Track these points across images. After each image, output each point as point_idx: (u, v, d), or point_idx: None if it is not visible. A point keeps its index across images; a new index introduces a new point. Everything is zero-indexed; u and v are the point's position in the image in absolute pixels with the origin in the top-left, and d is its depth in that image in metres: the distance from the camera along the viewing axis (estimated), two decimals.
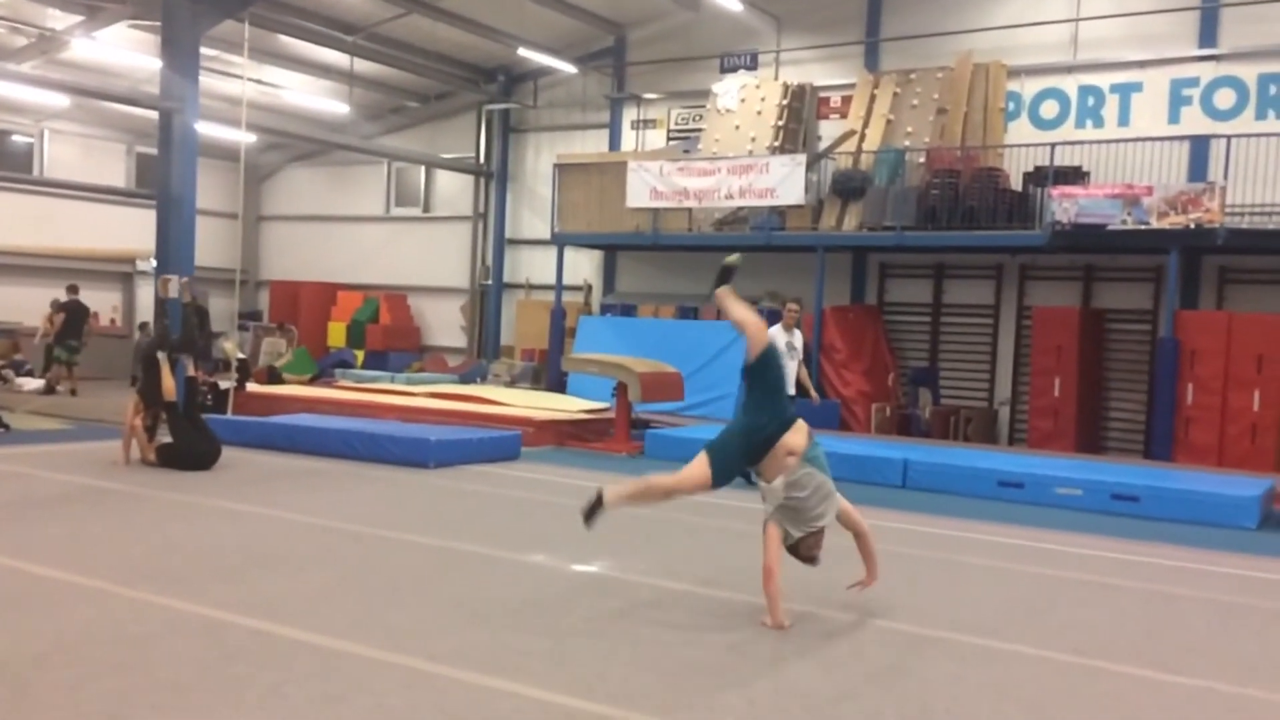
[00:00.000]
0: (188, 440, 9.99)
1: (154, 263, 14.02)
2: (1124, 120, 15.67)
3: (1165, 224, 13.51)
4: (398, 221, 23.61)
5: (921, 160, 15.99)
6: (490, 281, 22.01)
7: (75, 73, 18.66)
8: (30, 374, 18.10)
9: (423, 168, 22.96)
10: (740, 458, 5.67)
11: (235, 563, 6.39)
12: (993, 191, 15.12)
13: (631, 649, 5.03)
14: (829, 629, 5.51)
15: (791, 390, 10.39)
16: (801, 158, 16.18)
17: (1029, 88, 16.36)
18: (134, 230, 20.91)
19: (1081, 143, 15.48)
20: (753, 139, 17.35)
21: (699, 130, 18.65)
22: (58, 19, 17.55)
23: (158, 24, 14.65)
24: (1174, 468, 12.59)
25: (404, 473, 10.33)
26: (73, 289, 17.70)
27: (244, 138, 15.35)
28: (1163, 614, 6.29)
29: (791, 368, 10.39)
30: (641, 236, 17.80)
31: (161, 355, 10.19)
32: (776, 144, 17.12)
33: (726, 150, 17.27)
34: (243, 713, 4.02)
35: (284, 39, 18.72)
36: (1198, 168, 14.81)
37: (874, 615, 5.75)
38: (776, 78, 18.17)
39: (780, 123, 17.39)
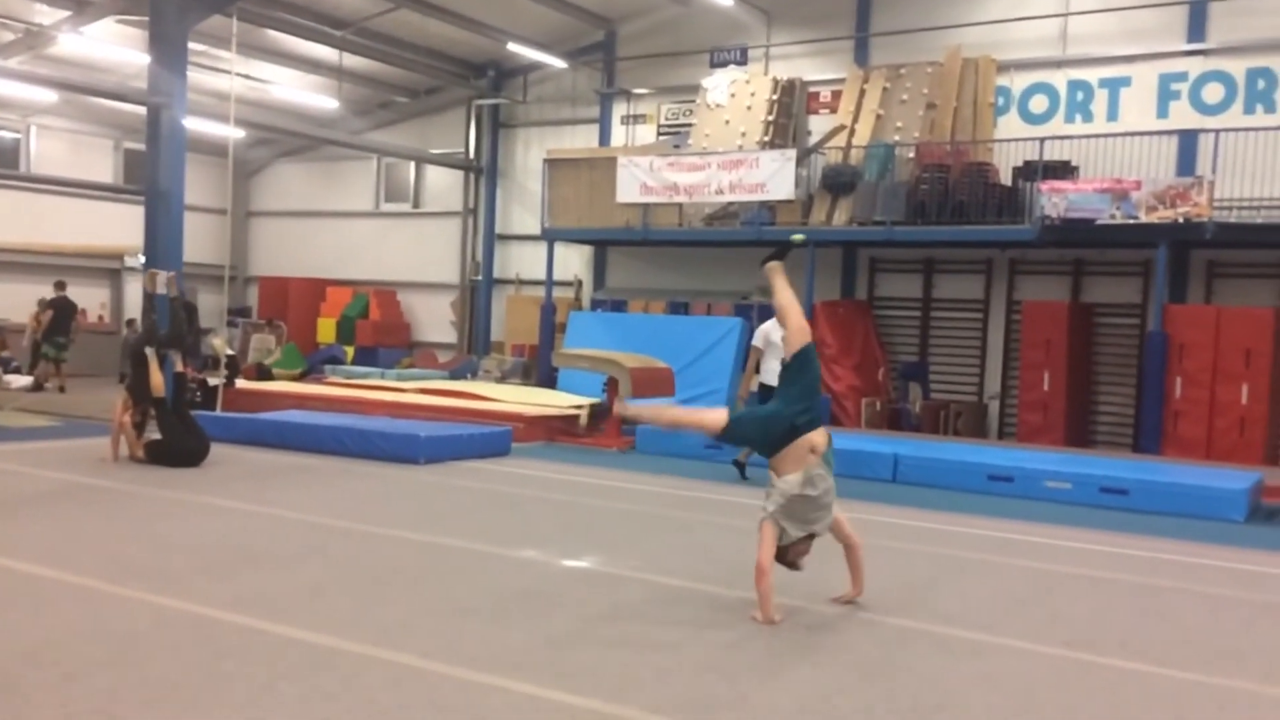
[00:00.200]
0: (177, 437, 9.95)
1: (142, 259, 13.96)
2: (1113, 115, 15.71)
3: (1154, 218, 13.55)
4: (387, 217, 23.55)
5: (911, 155, 16.00)
6: (480, 277, 21.98)
7: (63, 68, 18.57)
8: (18, 371, 18.02)
9: (412, 163, 22.91)
10: (757, 433, 5.70)
11: (225, 560, 6.37)
12: (982, 186, 15.15)
13: (622, 644, 5.03)
14: (820, 624, 5.52)
15: None
16: (791, 153, 16.18)
17: (1018, 82, 16.39)
18: (122, 226, 20.83)
19: (1070, 137, 15.52)
20: (743, 134, 17.35)
21: (689, 125, 18.65)
22: (45, 14, 17.44)
23: (145, 19, 14.56)
24: (1162, 461, 12.63)
25: (394, 469, 10.31)
26: (60, 285, 17.63)
27: (233, 133, 15.30)
28: (1152, 607, 6.31)
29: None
30: (632, 232, 17.79)
31: (149, 351, 10.15)
32: (766, 139, 17.13)
33: (716, 145, 17.27)
34: (233, 710, 4.01)
35: (272, 34, 18.64)
36: (1186, 162, 14.86)
37: (864, 610, 5.76)
38: (766, 73, 18.16)
39: (770, 118, 17.39)
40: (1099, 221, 13.86)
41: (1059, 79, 16.13)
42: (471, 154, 21.99)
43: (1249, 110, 14.77)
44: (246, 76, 19.34)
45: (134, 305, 18.87)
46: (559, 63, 19.89)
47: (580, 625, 5.32)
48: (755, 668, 4.76)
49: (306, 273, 23.68)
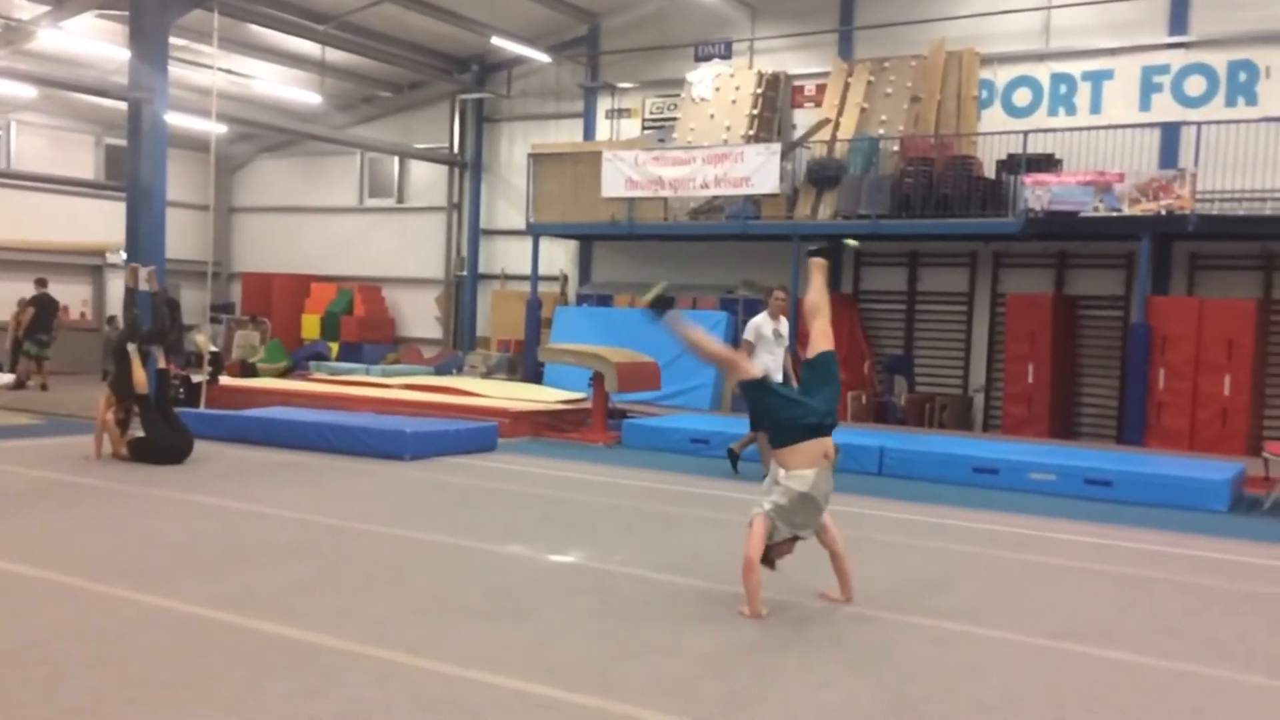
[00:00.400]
0: (160, 434, 9.90)
1: (124, 255, 13.89)
2: (1096, 108, 15.77)
3: (1137, 211, 13.62)
4: (371, 212, 23.46)
5: (896, 149, 16.02)
6: (465, 272, 21.92)
7: (42, 63, 18.42)
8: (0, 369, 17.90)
9: (396, 158, 22.82)
10: (780, 408, 5.64)
11: (210, 557, 6.35)
12: (966, 179, 15.18)
13: (609, 639, 5.03)
14: (806, 617, 5.53)
15: (779, 377, 10.42)
16: (776, 146, 16.18)
17: (1002, 75, 16.43)
18: (103, 222, 20.69)
19: (1054, 130, 15.56)
20: (727, 128, 17.34)
21: (674, 119, 18.63)
22: (24, 9, 17.29)
23: (126, 14, 14.47)
24: (1146, 452, 12.71)
25: (379, 465, 10.28)
26: (41, 282, 17.50)
27: (214, 128, 15.21)
28: (1136, 597, 6.35)
29: (779, 356, 10.42)
30: (617, 226, 17.77)
31: (132, 347, 10.09)
32: (751, 133, 17.14)
33: (701, 139, 17.26)
34: (218, 707, 3.99)
35: (254, 28, 18.53)
36: (1168, 154, 14.93)
37: (851, 603, 5.77)
38: (751, 66, 18.16)
39: (755, 111, 17.39)
40: (1082, 214, 13.92)
41: (1042, 72, 16.17)
42: (456, 149, 21.93)
43: (1230, 103, 14.84)
44: (228, 71, 19.23)
45: (116, 302, 18.72)
46: (543, 57, 19.84)
47: (567, 620, 5.31)
48: (742, 662, 4.77)
49: (290, 269, 23.58)
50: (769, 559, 5.56)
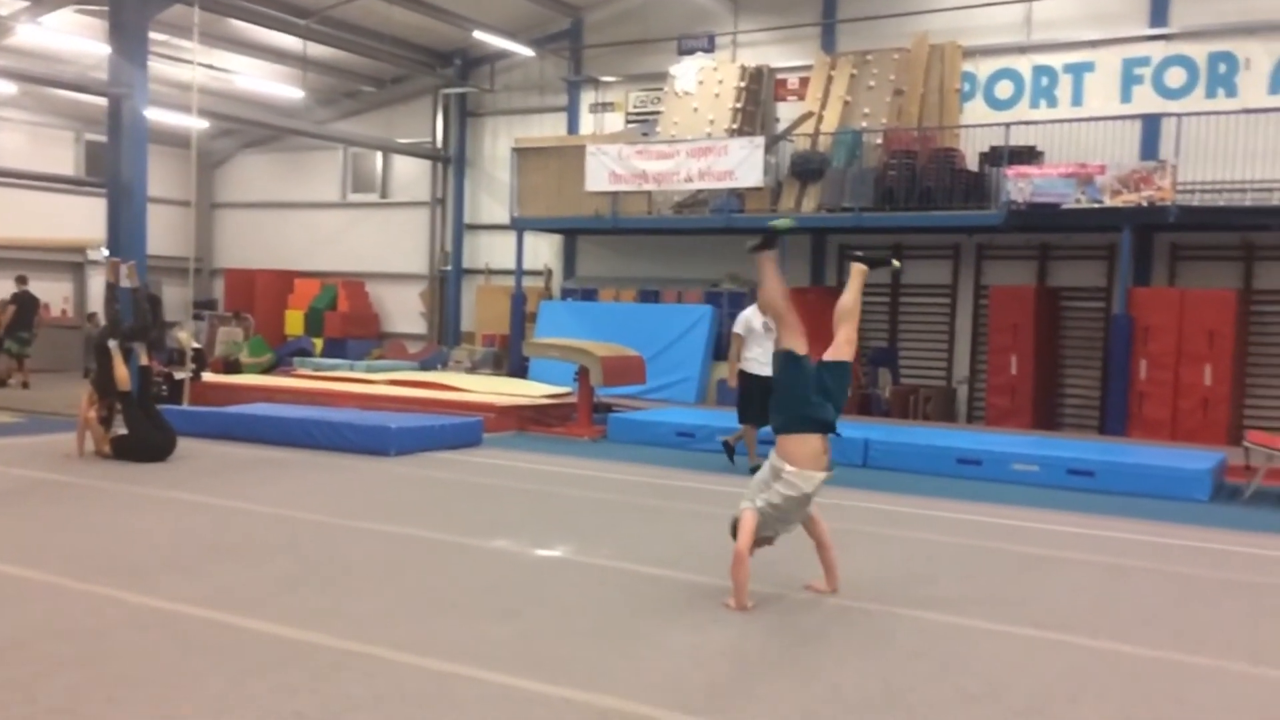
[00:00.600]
0: (143, 431, 9.85)
1: (105, 252, 13.79)
2: (1077, 100, 15.82)
3: (1118, 202, 13.67)
4: (355, 208, 23.37)
5: (879, 141, 16.05)
6: (450, 267, 21.86)
7: (21, 59, 18.24)
8: None
9: (379, 153, 22.73)
10: (797, 384, 5.62)
11: (193, 555, 6.32)
12: (949, 172, 15.22)
13: (595, 633, 5.03)
14: (791, 610, 5.55)
15: (769, 371, 10.40)
16: (760, 140, 16.19)
17: (984, 68, 16.47)
18: (84, 219, 20.54)
19: (1036, 123, 15.61)
20: (711, 121, 17.34)
21: (657, 113, 18.61)
22: (2, 4, 17.14)
23: (105, 9, 14.36)
24: (1128, 442, 12.79)
25: (364, 461, 10.26)
26: (21, 280, 17.38)
27: (195, 124, 15.10)
28: (1118, 586, 6.39)
29: (769, 348, 10.41)
30: (601, 220, 17.75)
31: (113, 344, 10.03)
32: (734, 126, 17.13)
33: (685, 133, 17.25)
34: (201, 706, 3.97)
35: (235, 23, 18.41)
36: (1149, 146, 14.99)
37: (836, 595, 5.79)
38: (734, 60, 18.15)
39: (738, 105, 17.39)
40: (1064, 206, 13.97)
41: (1024, 65, 16.22)
42: (439, 143, 21.85)
43: (1210, 94, 14.91)
44: (209, 66, 19.10)
45: (97, 299, 18.59)
46: (526, 51, 19.79)
47: (553, 615, 5.31)
48: (728, 654, 4.78)
49: (273, 264, 23.47)
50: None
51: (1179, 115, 14.34)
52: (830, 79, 16.99)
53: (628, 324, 16.67)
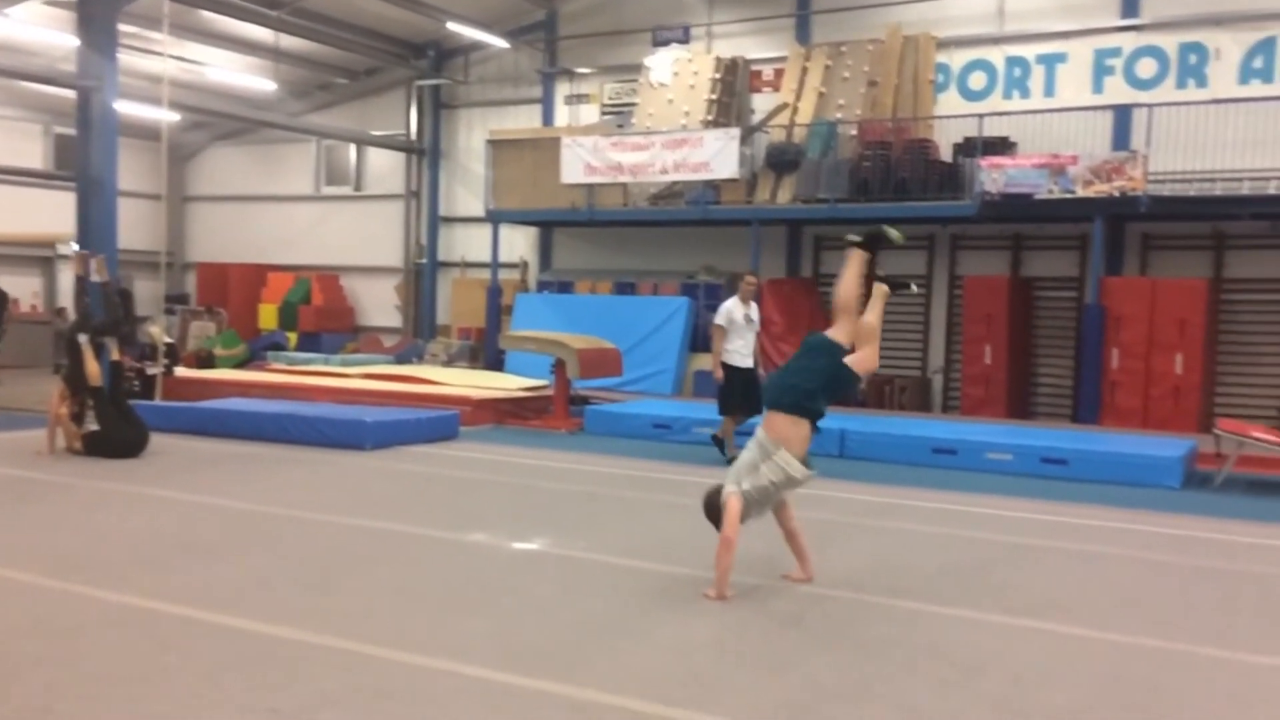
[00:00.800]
0: (115, 427, 9.76)
1: (75, 246, 13.65)
2: (1049, 91, 15.91)
3: (1090, 192, 13.78)
4: (328, 200, 23.21)
5: (853, 133, 16.09)
6: (425, 260, 21.77)
7: None
8: None
9: (353, 145, 22.58)
10: (836, 377, 5.78)
11: (167, 551, 6.27)
12: (923, 163, 15.28)
13: (572, 625, 5.04)
14: (769, 598, 5.57)
15: (751, 363, 10.42)
16: (735, 131, 16.20)
17: (957, 59, 16.53)
18: (53, 213, 20.21)
19: (1009, 113, 15.69)
20: (686, 113, 17.33)
21: (632, 105, 18.58)
22: None
23: (73, 0, 14.19)
24: (1100, 431, 12.88)
25: (340, 455, 10.20)
26: None
27: (166, 116, 14.95)
28: (1092, 573, 6.45)
29: (750, 340, 10.43)
30: (577, 212, 17.72)
31: (83, 339, 9.92)
32: (710, 118, 17.13)
33: (660, 124, 17.24)
34: (176, 703, 3.95)
35: (206, 14, 18.22)
36: (1121, 137, 15.12)
37: (813, 584, 5.82)
38: (709, 51, 18.14)
39: (713, 96, 17.38)
40: (1037, 196, 14.06)
41: (997, 56, 16.29)
42: (413, 135, 21.74)
43: (1181, 85, 15.03)
44: (180, 58, 18.91)
45: (67, 293, 18.41)
46: (500, 42, 19.70)
47: (530, 607, 5.31)
48: (706, 644, 4.79)
49: (246, 258, 23.29)
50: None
51: (1150, 106, 14.46)
52: (805, 70, 17.01)
53: (604, 316, 16.66)
